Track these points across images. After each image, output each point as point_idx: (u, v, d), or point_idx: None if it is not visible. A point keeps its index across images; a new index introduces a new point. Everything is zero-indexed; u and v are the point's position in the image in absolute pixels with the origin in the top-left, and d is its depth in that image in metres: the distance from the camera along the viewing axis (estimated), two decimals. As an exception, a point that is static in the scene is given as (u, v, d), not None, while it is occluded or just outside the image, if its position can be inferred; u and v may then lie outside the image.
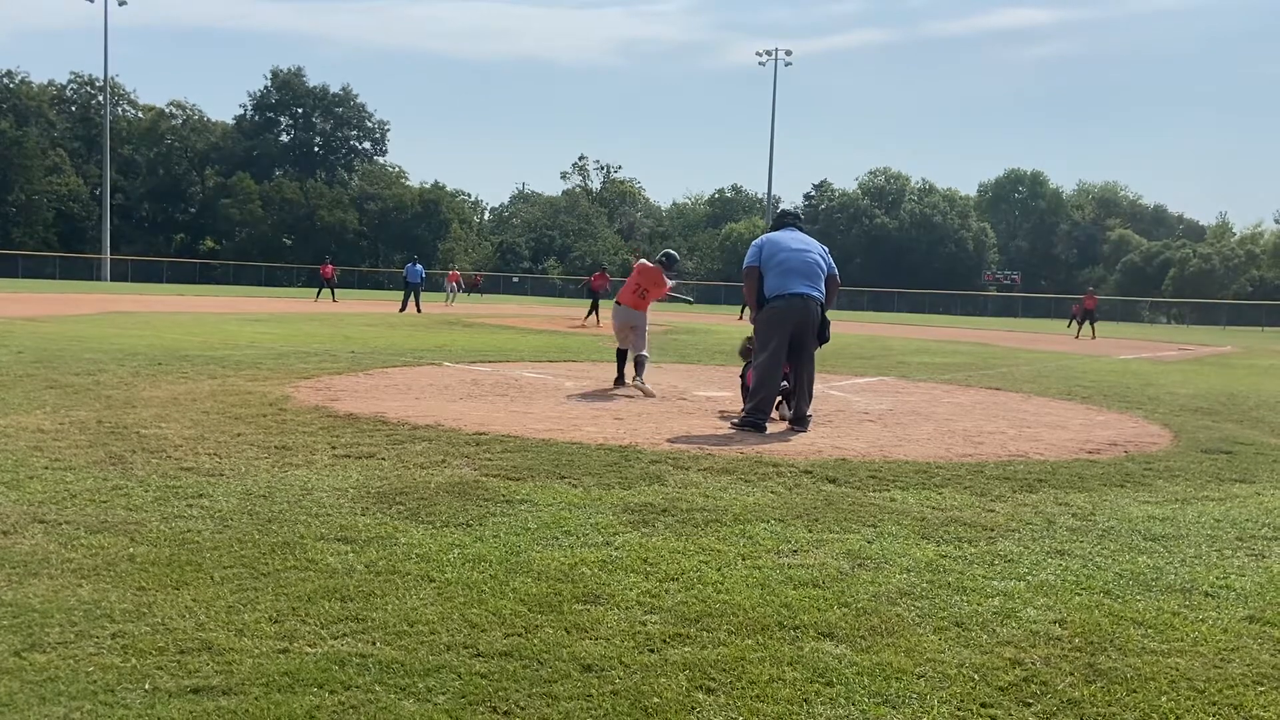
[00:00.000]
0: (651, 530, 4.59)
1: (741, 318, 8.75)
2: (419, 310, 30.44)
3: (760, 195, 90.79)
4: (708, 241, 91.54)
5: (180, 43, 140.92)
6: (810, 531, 4.69)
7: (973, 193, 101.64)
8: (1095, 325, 33.89)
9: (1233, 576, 4.23)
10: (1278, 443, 8.29)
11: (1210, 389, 13.39)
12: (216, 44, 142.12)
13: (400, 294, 34.09)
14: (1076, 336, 32.40)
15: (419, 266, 32.81)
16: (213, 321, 20.43)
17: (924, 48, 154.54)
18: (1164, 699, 2.96)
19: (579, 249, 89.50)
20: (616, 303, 10.84)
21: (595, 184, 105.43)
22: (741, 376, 9.07)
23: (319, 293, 40.10)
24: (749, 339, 8.85)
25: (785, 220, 8.73)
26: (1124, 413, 10.08)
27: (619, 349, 10.74)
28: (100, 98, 73.89)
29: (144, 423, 6.88)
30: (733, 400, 9.58)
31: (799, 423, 7.92)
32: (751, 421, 7.80)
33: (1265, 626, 3.62)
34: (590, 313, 28.53)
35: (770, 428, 7.85)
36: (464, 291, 45.86)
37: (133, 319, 19.99)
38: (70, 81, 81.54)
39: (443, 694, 2.80)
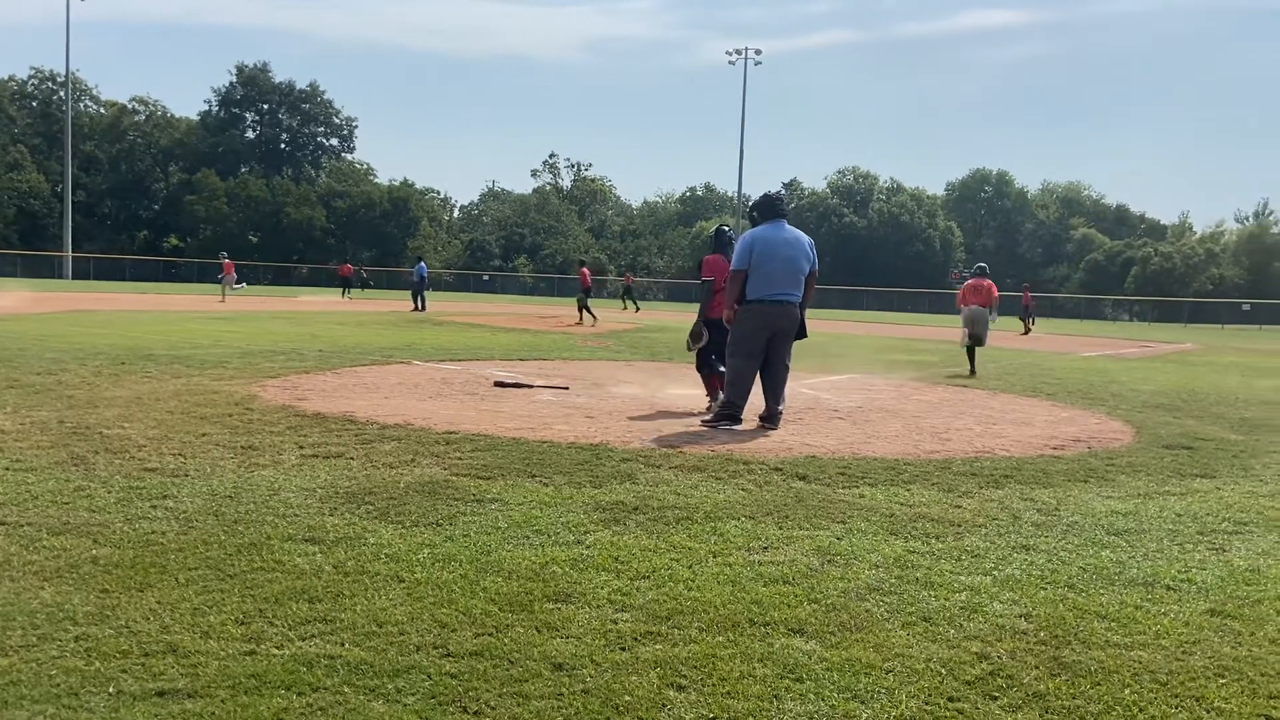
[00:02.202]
0: (623, 528, 4.59)
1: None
2: (422, 308, 30.60)
3: (731, 194, 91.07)
4: (678, 240, 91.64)
5: (143, 38, 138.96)
6: (780, 528, 4.72)
7: (940, 192, 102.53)
8: (1029, 321, 34.93)
9: (1194, 570, 4.30)
10: (1237, 438, 8.43)
11: (1171, 386, 13.60)
12: (180, 39, 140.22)
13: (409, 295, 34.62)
14: (1025, 331, 33.20)
15: (422, 264, 34.56)
16: (177, 320, 20.19)
17: (893, 48, 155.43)
18: (1127, 691, 3.00)
19: (549, 247, 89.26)
20: (968, 305, 15.17)
21: (566, 182, 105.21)
22: (699, 369, 9.12)
23: (344, 292, 41.09)
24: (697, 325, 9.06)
25: (772, 211, 8.25)
26: (1087, 409, 10.22)
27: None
28: (62, 93, 72.69)
29: (107, 423, 6.79)
30: (703, 398, 9.60)
31: (770, 420, 7.95)
32: (726, 414, 7.83)
33: (1226, 619, 3.68)
34: (584, 310, 27.89)
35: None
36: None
37: (95, 317, 19.70)
38: (31, 77, 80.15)
39: (412, 695, 2.79)
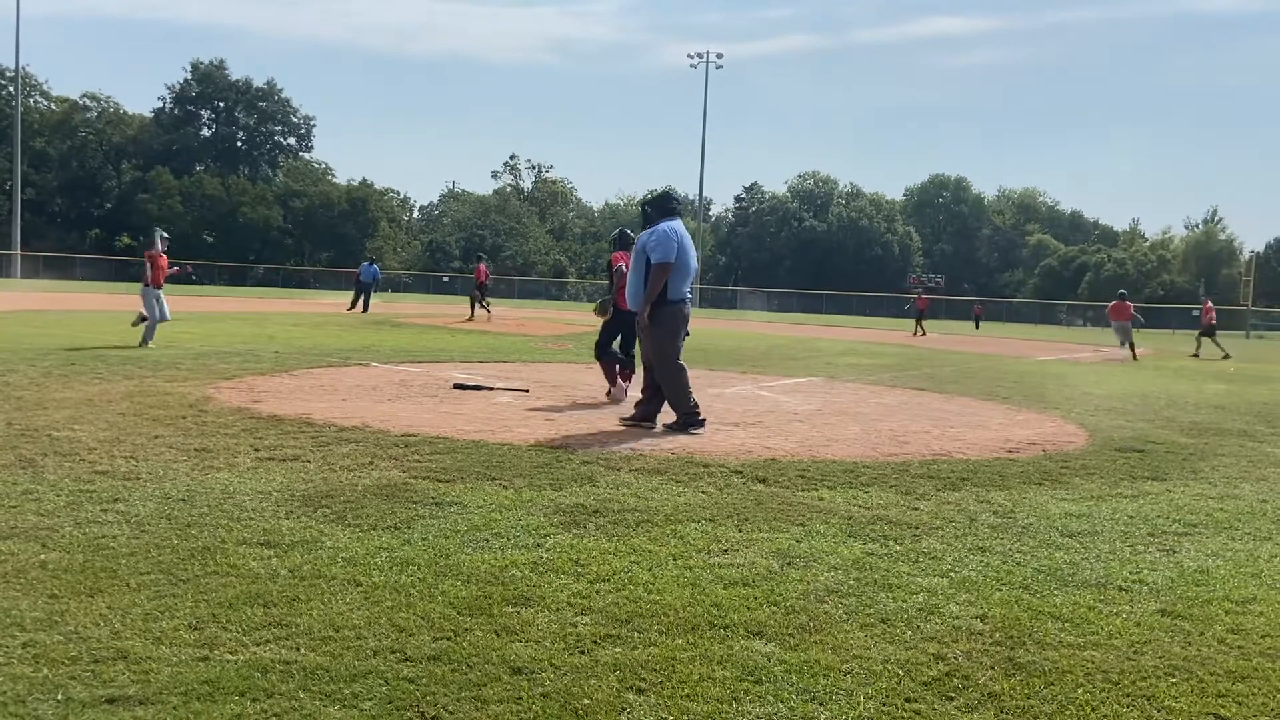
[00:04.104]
0: (583, 531, 4.58)
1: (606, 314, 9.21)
2: (365, 309, 30.29)
3: (692, 197, 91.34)
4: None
5: (95, 33, 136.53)
6: (740, 531, 4.73)
7: (899, 197, 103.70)
8: (924, 324, 36.28)
9: (1145, 571, 4.38)
10: (1187, 441, 8.60)
11: (1124, 389, 13.85)
12: (133, 34, 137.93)
13: (349, 292, 33.68)
14: (914, 334, 34.13)
15: (374, 266, 33.49)
16: (129, 320, 19.81)
17: (853, 54, 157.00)
18: (1080, 691, 3.05)
19: (510, 249, 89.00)
20: (1117, 320, 24.44)
21: (527, 183, 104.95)
22: (598, 358, 9.87)
23: (357, 298, 39.14)
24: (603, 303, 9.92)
25: (668, 209, 8.18)
26: (1042, 413, 10.37)
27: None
28: (10, 89, 71.17)
29: (56, 425, 6.65)
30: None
31: (650, 419, 7.99)
32: (692, 423, 7.77)
33: (1176, 620, 3.75)
34: (478, 306, 29.06)
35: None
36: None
37: (45, 317, 19.30)
38: (-22, 71, 78.38)
39: (369, 700, 2.76)
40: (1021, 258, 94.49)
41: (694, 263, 8.14)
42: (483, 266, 31.15)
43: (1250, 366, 22.52)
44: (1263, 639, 3.58)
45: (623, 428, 7.84)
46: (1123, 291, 27.00)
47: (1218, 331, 27.47)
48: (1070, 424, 9.47)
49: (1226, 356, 25.16)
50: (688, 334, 8.35)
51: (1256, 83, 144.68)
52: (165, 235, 14.50)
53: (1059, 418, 9.95)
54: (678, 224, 8.06)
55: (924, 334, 34.78)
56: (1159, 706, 2.97)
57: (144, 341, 13.14)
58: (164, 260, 14.05)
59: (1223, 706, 3.00)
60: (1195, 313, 65.73)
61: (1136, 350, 24.11)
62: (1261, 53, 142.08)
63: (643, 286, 7.92)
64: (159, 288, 13.62)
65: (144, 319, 13.53)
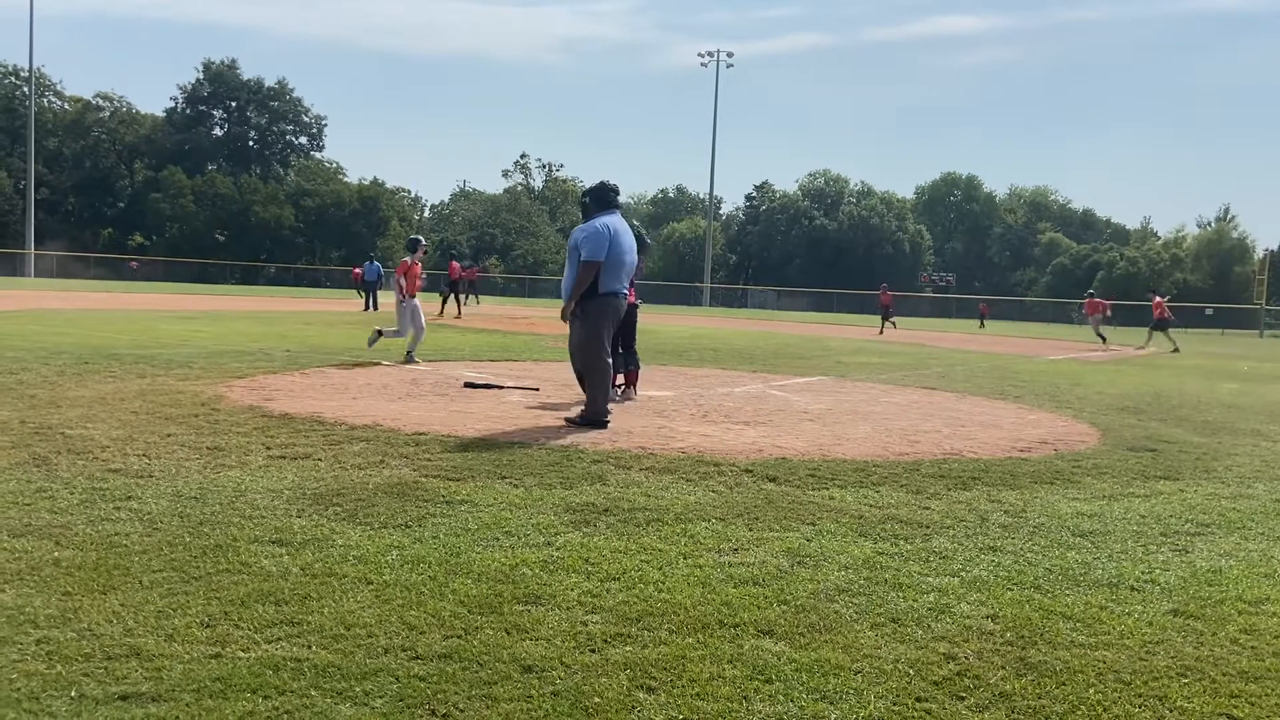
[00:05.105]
0: (593, 530, 4.59)
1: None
2: (375, 308, 30.40)
3: (703, 195, 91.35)
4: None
5: (108, 33, 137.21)
6: (750, 530, 4.73)
7: (909, 195, 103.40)
8: (889, 321, 36.28)
9: (1157, 571, 4.36)
10: (1200, 441, 8.56)
11: (1136, 389, 13.78)
12: (146, 34, 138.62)
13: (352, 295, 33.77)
14: (880, 332, 33.43)
15: (377, 264, 33.60)
16: (142, 319, 19.92)
17: (862, 53, 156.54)
18: (1092, 691, 3.04)
19: (520, 247, 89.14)
20: (1092, 314, 30.41)
21: (537, 182, 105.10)
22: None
23: (368, 298, 36.66)
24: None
25: (607, 202, 8.04)
26: (1054, 412, 10.32)
27: None
28: (25, 89, 71.61)
29: (69, 423, 6.69)
30: (674, 400, 9.62)
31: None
32: (602, 422, 7.66)
33: (1188, 620, 3.73)
34: (447, 302, 29.48)
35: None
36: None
37: (59, 316, 19.40)
38: (-8, 71, 78.82)
39: (380, 697, 2.77)
40: (1033, 256, 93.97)
41: (629, 257, 7.99)
42: (455, 264, 31.71)
43: (1264, 366, 22.39)
44: (1276, 639, 3.56)
45: (632, 428, 7.84)
46: (1090, 290, 35.95)
47: (1162, 329, 29.73)
48: (1082, 423, 9.43)
49: (1141, 347, 28.30)
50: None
51: (1268, 80, 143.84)
52: (423, 243, 13.67)
53: (1071, 417, 9.91)
54: (613, 218, 7.94)
55: (883, 330, 34.30)
56: (1171, 707, 2.96)
57: (408, 358, 12.53)
58: (418, 269, 13.30)
59: (1235, 707, 2.98)
60: (1209, 312, 66.04)
61: (1138, 347, 27.39)
62: (1273, 50, 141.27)
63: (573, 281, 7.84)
64: (413, 298, 12.97)
65: (380, 335, 12.88)
